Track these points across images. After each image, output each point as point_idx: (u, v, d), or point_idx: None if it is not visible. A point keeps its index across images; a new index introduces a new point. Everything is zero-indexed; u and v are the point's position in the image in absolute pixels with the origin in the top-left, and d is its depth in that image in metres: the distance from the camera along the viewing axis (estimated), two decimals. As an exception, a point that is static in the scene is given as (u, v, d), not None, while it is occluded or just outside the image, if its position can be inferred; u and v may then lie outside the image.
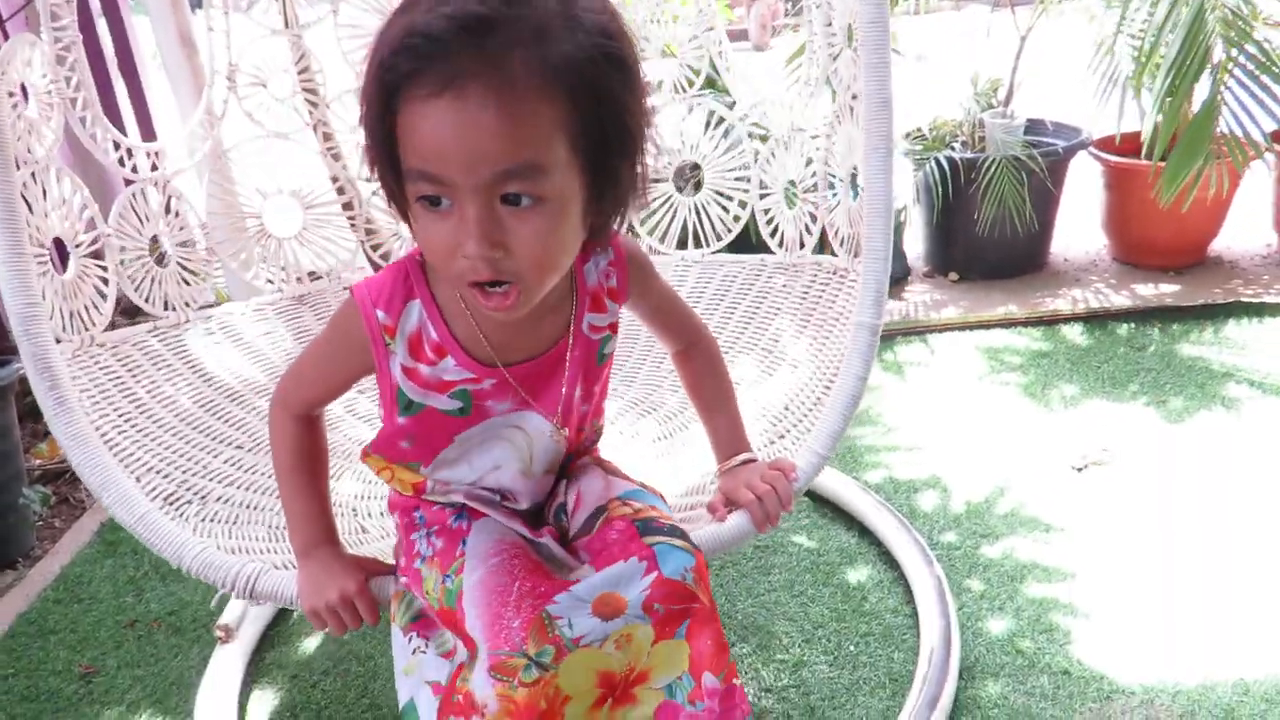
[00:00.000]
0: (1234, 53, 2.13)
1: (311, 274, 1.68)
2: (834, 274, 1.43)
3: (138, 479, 1.09)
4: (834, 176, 1.45)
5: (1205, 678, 1.35)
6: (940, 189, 2.75)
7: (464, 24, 0.67)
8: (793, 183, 1.57)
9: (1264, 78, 2.17)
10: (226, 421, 1.34)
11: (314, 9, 1.68)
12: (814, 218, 1.51)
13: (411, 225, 0.77)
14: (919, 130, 3.00)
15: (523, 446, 0.93)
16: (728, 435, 1.06)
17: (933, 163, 2.75)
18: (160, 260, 1.48)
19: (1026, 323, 2.55)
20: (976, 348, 2.44)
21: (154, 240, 1.48)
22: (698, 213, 1.67)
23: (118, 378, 1.26)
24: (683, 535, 0.90)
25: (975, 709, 1.33)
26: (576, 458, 1.03)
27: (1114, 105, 2.57)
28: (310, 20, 1.67)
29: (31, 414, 2.54)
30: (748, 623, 1.54)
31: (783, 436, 1.21)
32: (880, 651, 1.45)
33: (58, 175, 1.24)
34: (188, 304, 1.49)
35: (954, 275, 2.96)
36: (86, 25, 2.67)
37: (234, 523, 1.13)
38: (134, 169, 1.49)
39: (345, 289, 1.65)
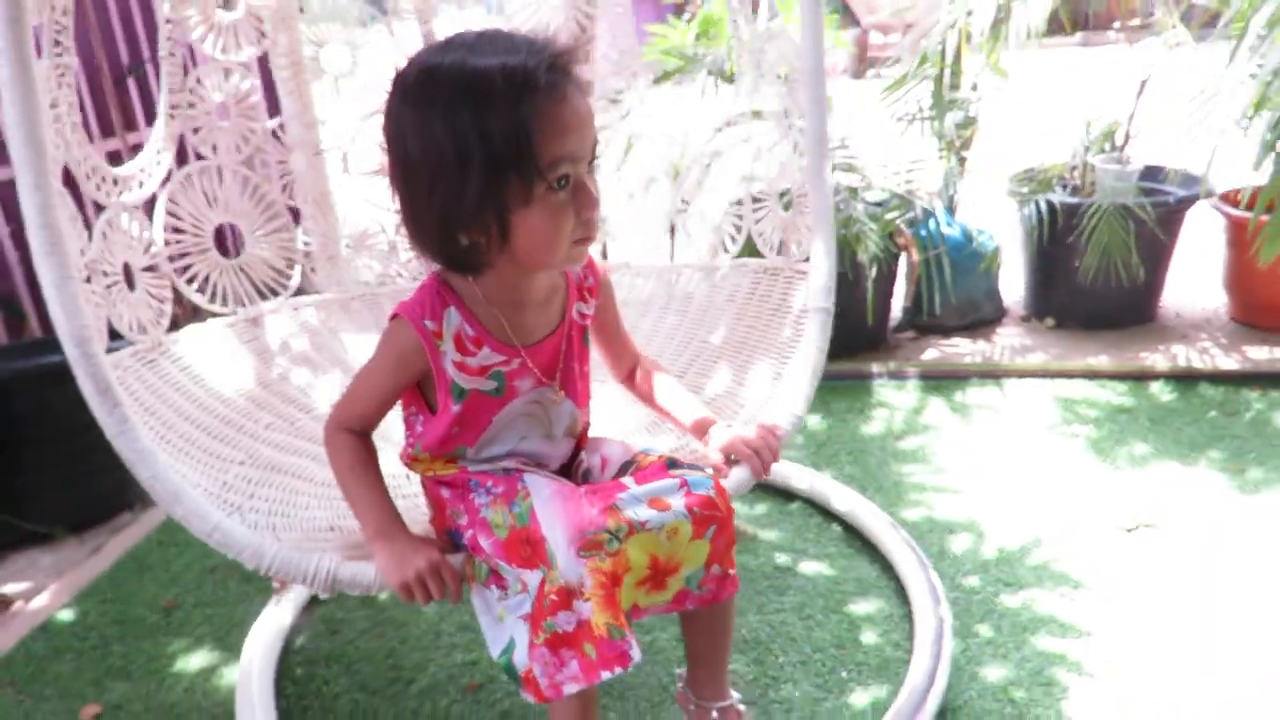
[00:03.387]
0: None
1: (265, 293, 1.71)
2: (765, 272, 1.65)
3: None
4: (761, 195, 1.69)
5: (1198, 754, 1.31)
6: (1038, 232, 2.69)
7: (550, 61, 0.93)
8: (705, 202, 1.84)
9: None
10: (221, 439, 1.39)
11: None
12: (738, 228, 1.71)
13: (512, 228, 0.97)
14: (1027, 172, 2.94)
15: (542, 418, 1.15)
16: (695, 415, 1.26)
17: (1034, 205, 2.70)
18: (130, 284, 1.47)
19: (1113, 376, 2.47)
20: (1054, 397, 2.38)
21: (126, 266, 1.47)
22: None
23: (130, 394, 1.28)
24: (700, 468, 1.11)
25: (950, 749, 1.34)
26: (584, 435, 1.23)
27: (1246, 155, 2.44)
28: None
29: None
30: (750, 636, 1.59)
31: (744, 406, 1.43)
32: (871, 682, 1.48)
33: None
34: (157, 326, 1.49)
35: (1050, 321, 2.88)
36: (81, 37, 2.28)
37: (272, 529, 1.19)
38: (107, 194, 1.46)
39: (293, 310, 1.75)
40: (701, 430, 1.25)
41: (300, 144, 1.81)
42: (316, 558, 1.07)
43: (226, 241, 1.65)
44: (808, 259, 1.49)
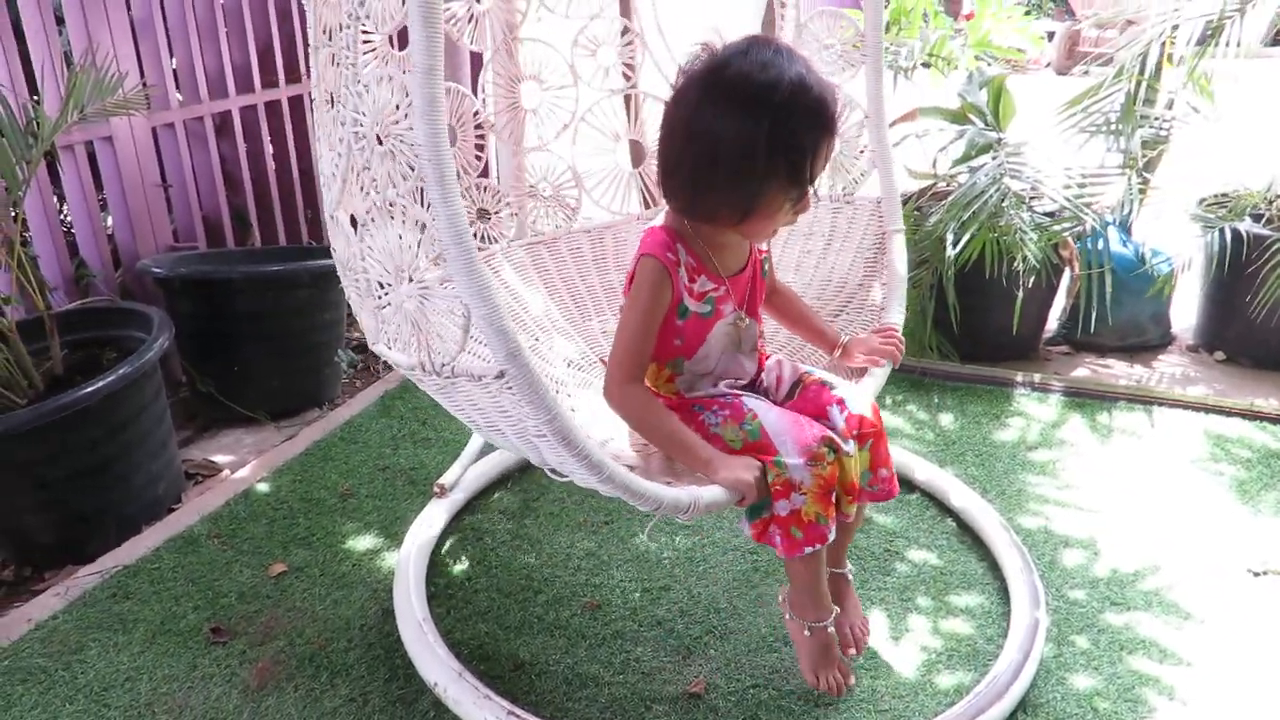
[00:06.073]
0: None
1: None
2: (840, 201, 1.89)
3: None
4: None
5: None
6: (1219, 260, 2.59)
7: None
8: None
9: None
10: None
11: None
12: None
13: (752, 218, 1.26)
14: (1218, 197, 2.82)
15: (735, 336, 1.42)
16: (827, 332, 1.59)
17: (1218, 232, 2.60)
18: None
19: (1276, 420, 2.37)
20: (1206, 432, 2.32)
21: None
22: None
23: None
24: (850, 384, 1.44)
25: (1024, 741, 1.42)
26: (762, 356, 1.51)
27: None
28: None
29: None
30: (849, 608, 1.70)
31: (842, 311, 1.77)
32: (958, 669, 1.56)
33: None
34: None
35: (1220, 354, 2.77)
36: None
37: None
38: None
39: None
40: (830, 343, 1.57)
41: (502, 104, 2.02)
42: (690, 493, 1.21)
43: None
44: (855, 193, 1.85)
